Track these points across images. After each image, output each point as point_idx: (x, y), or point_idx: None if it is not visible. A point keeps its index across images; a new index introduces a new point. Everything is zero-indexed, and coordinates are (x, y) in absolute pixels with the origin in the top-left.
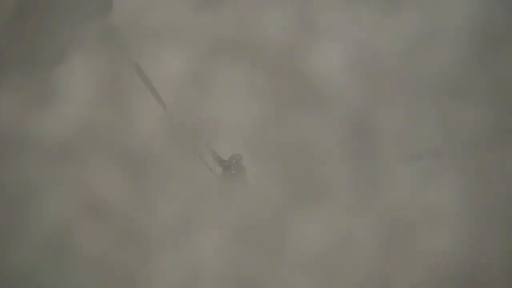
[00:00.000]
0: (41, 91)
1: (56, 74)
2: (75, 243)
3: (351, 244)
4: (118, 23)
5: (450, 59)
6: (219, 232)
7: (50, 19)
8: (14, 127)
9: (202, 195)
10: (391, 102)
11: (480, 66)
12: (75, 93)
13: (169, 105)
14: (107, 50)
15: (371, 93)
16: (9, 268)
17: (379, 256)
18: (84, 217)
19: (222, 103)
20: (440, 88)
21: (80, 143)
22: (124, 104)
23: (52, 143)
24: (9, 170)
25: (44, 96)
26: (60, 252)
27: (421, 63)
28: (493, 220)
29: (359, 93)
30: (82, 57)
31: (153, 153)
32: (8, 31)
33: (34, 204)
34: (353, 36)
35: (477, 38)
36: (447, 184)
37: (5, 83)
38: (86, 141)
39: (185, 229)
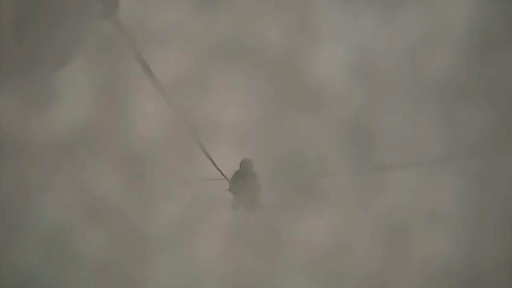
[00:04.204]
0: (41, 92)
1: (56, 76)
2: (74, 245)
3: (351, 247)
4: (119, 26)
5: (451, 62)
6: (218, 235)
7: (51, 22)
8: (14, 129)
9: (202, 198)
10: (391, 105)
11: (480, 69)
12: (75, 95)
13: (169, 106)
14: (107, 52)
15: (371, 97)
16: (8, 269)
17: (379, 259)
18: (84, 218)
19: (222, 105)
20: (440, 92)
21: (79, 145)
22: (124, 106)
23: (51, 145)
24: (9, 171)
25: (44, 98)
26: (59, 253)
27: (422, 66)
28: (493, 223)
29: (359, 96)
30: (82, 59)
31: (152, 156)
32: (9, 33)
33: (34, 205)
34: (353, 40)
35: (477, 41)
36: (447, 188)
37: (5, 85)
38: (85, 143)
39: (184, 232)
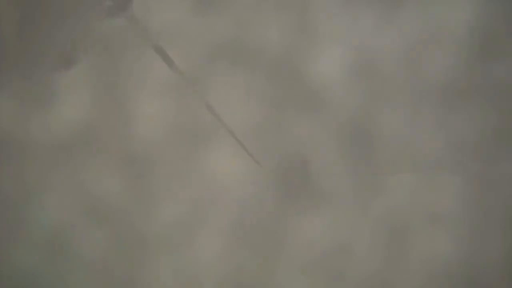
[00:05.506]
0: (41, 92)
1: (57, 76)
2: (74, 246)
3: (350, 249)
4: (119, 26)
5: (451, 63)
6: (218, 236)
7: (51, 22)
8: (14, 129)
9: (202, 198)
10: (391, 106)
11: (481, 70)
12: (75, 95)
13: (168, 107)
14: (107, 52)
15: (372, 97)
16: (8, 269)
17: (379, 260)
18: (84, 220)
19: (221, 105)
20: (440, 92)
21: (79, 146)
22: (124, 106)
23: (51, 145)
24: (9, 171)
25: (44, 98)
26: (59, 255)
27: (422, 67)
28: (493, 224)
29: (359, 97)
30: (82, 59)
31: (153, 156)
32: (9, 33)
33: (33, 207)
34: (352, 40)
35: (477, 42)
36: (447, 188)
37: (5, 85)
38: (85, 144)
39: (184, 233)
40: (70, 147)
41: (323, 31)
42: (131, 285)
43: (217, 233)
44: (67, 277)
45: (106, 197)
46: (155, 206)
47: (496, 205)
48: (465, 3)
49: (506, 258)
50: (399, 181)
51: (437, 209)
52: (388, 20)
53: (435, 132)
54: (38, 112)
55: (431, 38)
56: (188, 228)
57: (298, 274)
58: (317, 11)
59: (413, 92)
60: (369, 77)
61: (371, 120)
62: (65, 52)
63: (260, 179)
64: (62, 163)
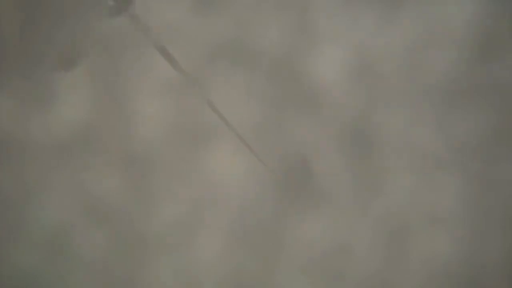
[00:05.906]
0: (41, 92)
1: (57, 76)
2: (74, 246)
3: (350, 249)
4: (119, 25)
5: (451, 64)
6: (218, 236)
7: (51, 22)
8: (14, 129)
9: (202, 198)
10: (391, 106)
11: (480, 70)
12: (75, 95)
13: (168, 107)
14: (107, 52)
15: (371, 98)
16: (8, 269)
17: (379, 260)
18: (84, 220)
19: (221, 105)
20: (440, 92)
21: (79, 146)
22: (124, 107)
23: (51, 145)
24: (9, 171)
25: (44, 98)
26: (59, 255)
27: (422, 67)
28: (493, 224)
29: (359, 97)
30: (82, 59)
31: (153, 156)
32: (9, 33)
33: (33, 207)
34: (352, 41)
35: (477, 42)
36: (447, 188)
37: (5, 85)
38: (85, 144)
39: (184, 233)
40: (70, 147)
41: (323, 31)
42: (131, 285)
43: (217, 233)
44: (67, 277)
45: (106, 197)
46: (155, 206)
47: (496, 205)
48: (465, 3)
49: (506, 258)
50: (399, 181)
51: (437, 209)
52: (388, 20)
53: (435, 132)
54: (38, 112)
55: (431, 38)
56: (188, 228)
57: (298, 274)
58: (317, 11)
59: (413, 92)
60: (369, 77)
61: (371, 120)
62: (65, 52)
63: (260, 179)
64: (62, 163)
